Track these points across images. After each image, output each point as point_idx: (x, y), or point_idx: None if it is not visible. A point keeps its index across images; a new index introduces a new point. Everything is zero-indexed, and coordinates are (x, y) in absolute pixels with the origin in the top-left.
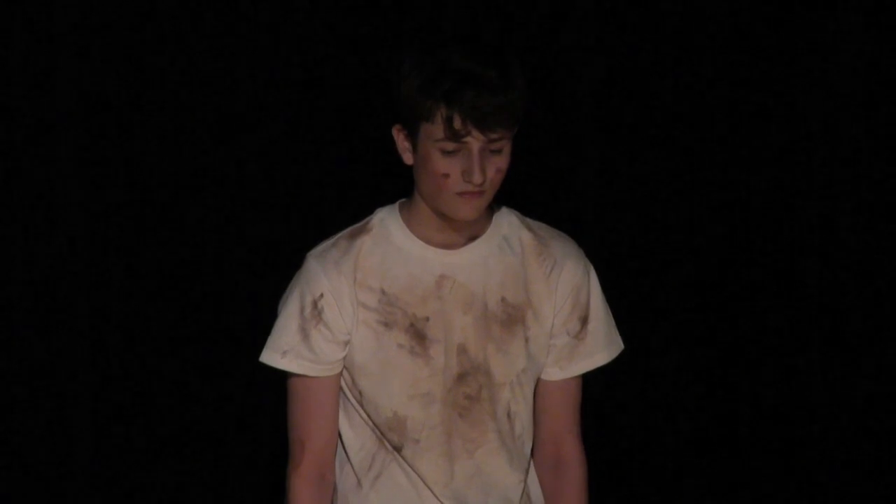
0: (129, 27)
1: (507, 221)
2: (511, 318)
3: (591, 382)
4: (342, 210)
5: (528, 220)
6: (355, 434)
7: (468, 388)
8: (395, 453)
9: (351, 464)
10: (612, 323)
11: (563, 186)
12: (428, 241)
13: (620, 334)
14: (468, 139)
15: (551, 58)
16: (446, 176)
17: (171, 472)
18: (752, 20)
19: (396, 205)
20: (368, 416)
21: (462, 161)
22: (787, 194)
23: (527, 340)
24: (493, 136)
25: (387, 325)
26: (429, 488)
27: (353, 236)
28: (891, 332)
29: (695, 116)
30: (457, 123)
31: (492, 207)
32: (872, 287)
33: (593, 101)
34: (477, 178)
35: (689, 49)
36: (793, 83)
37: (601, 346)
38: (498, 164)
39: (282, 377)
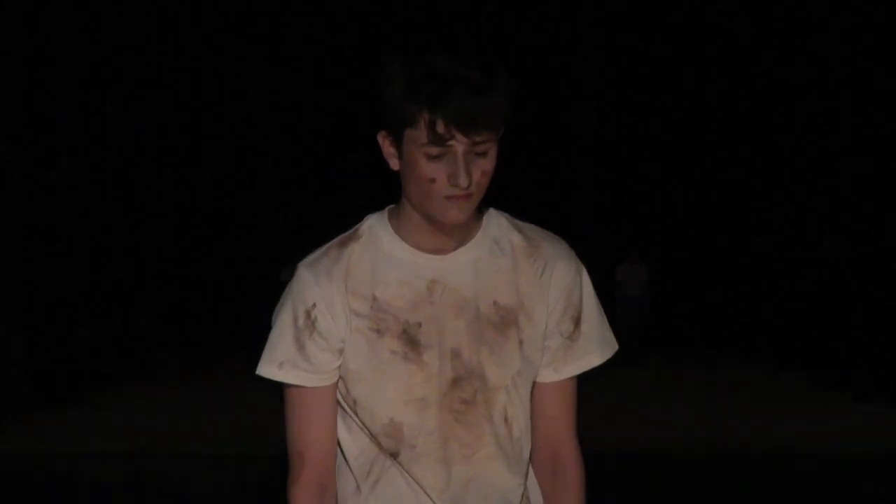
0: (127, 29)
1: (497, 224)
2: (504, 320)
3: (585, 383)
4: (332, 218)
5: (518, 221)
6: (354, 440)
7: (463, 392)
8: (393, 459)
9: (350, 469)
10: (606, 323)
11: (559, 189)
12: (418, 247)
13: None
14: (452, 143)
15: (550, 61)
16: (432, 181)
17: (171, 478)
18: (751, 22)
19: (385, 211)
20: (364, 423)
21: (447, 165)
22: (786, 197)
23: (521, 343)
24: (478, 138)
25: (379, 331)
26: (426, 493)
27: (343, 244)
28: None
29: (694, 119)
30: (440, 128)
31: (480, 210)
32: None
33: (591, 104)
34: (463, 182)
35: (687, 52)
36: (792, 87)
37: (595, 346)
38: (483, 167)
39: (279, 389)
